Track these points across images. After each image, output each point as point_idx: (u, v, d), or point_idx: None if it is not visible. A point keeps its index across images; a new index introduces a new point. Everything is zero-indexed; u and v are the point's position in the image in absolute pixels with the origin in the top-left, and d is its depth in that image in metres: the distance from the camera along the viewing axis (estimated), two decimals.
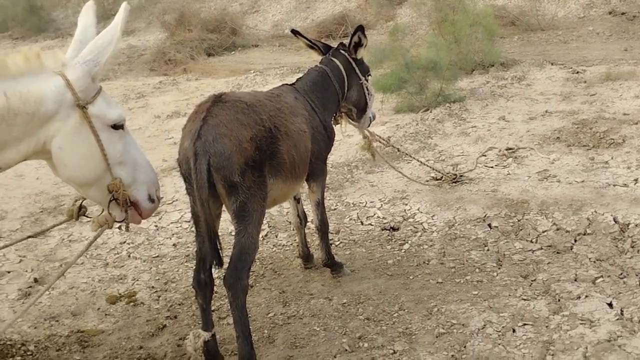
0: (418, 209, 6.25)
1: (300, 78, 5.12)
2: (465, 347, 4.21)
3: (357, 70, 5.24)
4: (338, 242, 5.82)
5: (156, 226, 6.44)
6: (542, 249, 5.38)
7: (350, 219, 6.26)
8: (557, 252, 5.30)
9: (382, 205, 6.43)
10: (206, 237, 3.88)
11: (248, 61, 14.88)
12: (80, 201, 3.76)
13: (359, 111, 5.40)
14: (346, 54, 5.24)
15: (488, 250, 5.45)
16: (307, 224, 5.37)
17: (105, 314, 5.00)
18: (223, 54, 16.04)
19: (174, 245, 6.06)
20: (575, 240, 5.45)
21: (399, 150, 7.08)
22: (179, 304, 5.05)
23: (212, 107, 3.96)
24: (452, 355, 4.14)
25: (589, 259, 5.15)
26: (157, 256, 5.87)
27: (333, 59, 5.20)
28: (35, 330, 4.82)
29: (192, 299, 5.06)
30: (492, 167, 7.15)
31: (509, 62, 11.46)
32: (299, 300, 4.95)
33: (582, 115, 8.47)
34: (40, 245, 6.23)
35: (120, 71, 15.08)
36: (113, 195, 3.44)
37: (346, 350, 4.28)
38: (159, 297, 5.19)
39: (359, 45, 5.22)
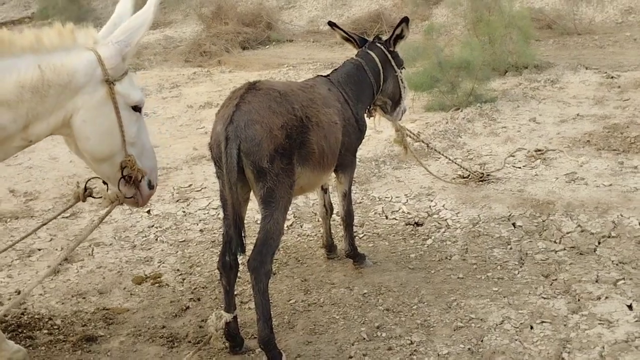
0: (443, 206, 6.28)
1: (335, 70, 5.17)
2: (482, 341, 4.25)
3: (393, 63, 5.28)
4: (362, 235, 5.87)
5: (184, 212, 6.55)
6: (565, 249, 5.38)
7: (375, 213, 6.31)
8: (580, 254, 5.30)
9: (407, 200, 6.47)
10: (231, 221, 3.97)
11: (282, 55, 14.98)
12: (85, 182, 3.88)
13: (393, 104, 5.43)
14: (382, 47, 5.28)
15: (511, 248, 5.46)
16: (333, 215, 5.44)
17: (131, 294, 5.12)
18: (257, 47, 16.16)
19: (200, 231, 6.17)
20: (599, 243, 5.44)
21: (428, 146, 7.11)
22: (203, 287, 5.15)
23: (246, 94, 4.05)
24: (469, 349, 4.18)
25: (612, 261, 5.14)
26: (184, 241, 5.98)
27: (369, 51, 5.24)
28: (62, 305, 4.96)
29: (215, 283, 5.16)
30: (520, 167, 7.14)
31: (543, 65, 11.41)
32: (320, 288, 5.02)
33: (614, 119, 8.42)
34: (71, 225, 6.38)
35: (156, 61, 15.25)
36: (123, 173, 3.57)
37: (364, 338, 4.34)
38: (184, 279, 5.30)
39: (400, 37, 5.27)
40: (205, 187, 7.13)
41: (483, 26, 11.21)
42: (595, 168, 6.90)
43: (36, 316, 4.75)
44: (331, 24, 5.42)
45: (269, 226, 4.01)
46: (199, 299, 4.99)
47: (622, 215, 5.73)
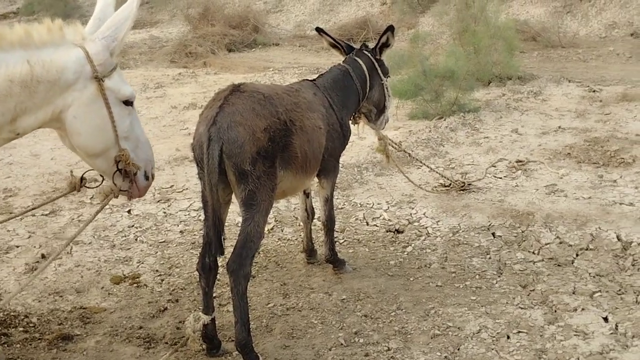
0: (424, 214, 6.30)
1: (321, 75, 5.19)
2: (459, 349, 4.27)
3: (379, 71, 5.31)
4: (343, 241, 5.88)
5: (165, 212, 6.53)
6: (543, 260, 5.43)
7: (356, 219, 6.32)
8: (558, 265, 5.34)
9: (388, 207, 6.49)
10: (211, 223, 3.97)
11: (268, 59, 15.00)
12: (82, 173, 3.88)
13: (378, 112, 5.45)
14: (369, 55, 5.30)
15: (490, 258, 5.50)
16: (314, 220, 5.44)
17: (109, 293, 5.09)
18: (243, 50, 16.18)
19: (180, 232, 6.15)
20: (577, 255, 5.48)
21: (409, 155, 7.13)
22: (182, 289, 5.14)
23: (230, 95, 4.06)
24: (446, 357, 4.19)
25: (589, 273, 5.19)
26: (164, 241, 5.96)
27: (356, 58, 5.26)
28: (39, 303, 4.92)
29: (194, 285, 5.15)
30: (500, 177, 7.19)
31: (526, 77, 11.51)
32: (299, 293, 5.03)
33: (595, 133, 8.50)
34: (50, 223, 6.34)
35: (141, 61, 15.23)
36: (118, 166, 3.59)
37: (342, 344, 4.35)
38: (162, 280, 5.28)
39: (386, 45, 5.31)
40: (187, 189, 7.11)
41: (468, 36, 11.31)
42: (575, 180, 6.96)
43: (12, 313, 4.71)
44: (318, 30, 5.45)
45: (250, 229, 4.01)
46: (177, 300, 4.97)
47: (600, 228, 5.78)
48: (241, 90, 4.13)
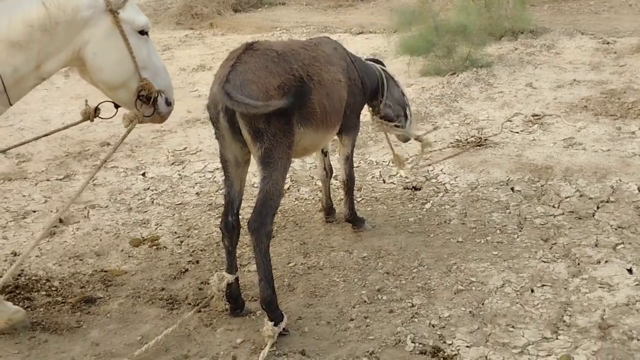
0: (441, 170, 6.25)
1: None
2: (483, 304, 4.25)
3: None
4: (360, 199, 5.84)
5: (179, 175, 6.50)
6: (564, 214, 5.37)
7: (373, 177, 6.27)
8: (579, 218, 5.29)
9: (405, 164, 6.42)
10: (232, 182, 4.07)
11: (275, 19, 14.80)
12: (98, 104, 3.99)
13: (404, 114, 5.42)
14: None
15: (510, 213, 5.45)
16: (332, 179, 5.40)
17: (129, 256, 5.08)
18: (250, 10, 15.95)
19: (197, 194, 6.11)
20: (598, 207, 5.43)
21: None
22: (201, 250, 5.12)
23: (243, 54, 4.01)
24: (470, 312, 4.17)
25: (611, 226, 5.14)
26: (180, 203, 5.93)
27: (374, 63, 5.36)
28: (59, 267, 4.91)
29: (213, 246, 5.13)
30: (517, 132, 7.11)
31: (538, 30, 11.32)
32: (319, 252, 5.00)
33: (611, 85, 8.38)
34: (65, 187, 6.32)
35: None
36: (139, 95, 3.71)
37: (365, 301, 4.33)
38: (182, 242, 5.26)
39: None
40: (201, 150, 7.07)
41: None
42: (593, 133, 6.88)
43: (33, 278, 4.71)
44: None
45: (268, 187, 3.96)
46: (197, 262, 4.96)
47: (620, 180, 5.73)
48: (254, 48, 4.07)
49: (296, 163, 6.41)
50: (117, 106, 4.00)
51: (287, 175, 6.11)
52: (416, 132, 5.67)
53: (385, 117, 5.32)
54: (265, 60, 3.98)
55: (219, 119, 3.90)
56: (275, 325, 3.89)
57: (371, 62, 5.31)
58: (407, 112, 5.43)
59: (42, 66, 3.45)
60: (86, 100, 4.09)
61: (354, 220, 5.26)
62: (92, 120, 4.03)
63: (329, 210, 5.44)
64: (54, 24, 3.34)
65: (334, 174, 5.39)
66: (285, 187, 6.06)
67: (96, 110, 3.98)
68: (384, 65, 5.41)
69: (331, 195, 5.46)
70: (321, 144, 4.71)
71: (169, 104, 3.96)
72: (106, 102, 3.98)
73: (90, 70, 3.57)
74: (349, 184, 5.13)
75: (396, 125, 5.39)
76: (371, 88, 5.12)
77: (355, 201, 5.41)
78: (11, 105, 3.52)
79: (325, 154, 5.28)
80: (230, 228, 4.12)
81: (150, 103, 3.82)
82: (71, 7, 3.39)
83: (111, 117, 4.06)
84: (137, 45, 3.65)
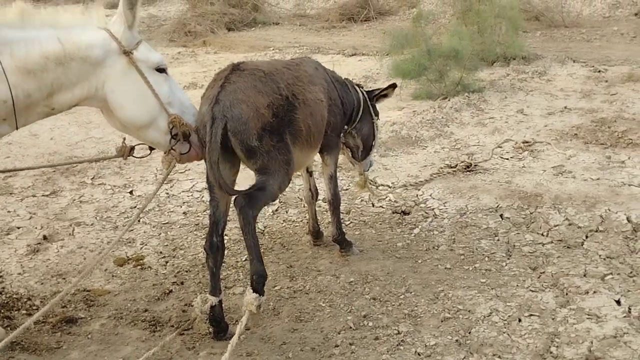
0: (430, 195, 6.22)
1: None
2: (470, 332, 4.20)
3: (371, 110, 5.31)
4: (349, 222, 5.80)
5: (167, 193, 6.44)
6: (552, 242, 5.34)
7: (362, 200, 6.23)
8: (568, 247, 5.27)
9: (394, 188, 6.40)
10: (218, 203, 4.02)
11: (268, 38, 14.84)
12: (134, 144, 4.10)
13: (365, 150, 5.37)
14: (365, 93, 5.31)
15: (498, 240, 5.42)
16: (319, 200, 5.36)
17: (112, 275, 5.01)
18: (243, 29, 16.00)
19: (184, 213, 6.06)
20: (587, 237, 5.40)
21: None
22: (186, 271, 5.06)
23: (231, 74, 4.05)
24: (457, 340, 4.12)
25: (600, 255, 5.11)
26: (167, 223, 5.88)
27: (355, 86, 5.27)
28: (41, 286, 4.85)
29: (199, 267, 5.07)
30: (507, 158, 7.10)
31: (530, 57, 11.37)
32: (306, 275, 4.95)
33: (602, 113, 8.40)
34: (51, 203, 6.25)
35: None
36: (172, 132, 3.81)
37: (350, 327, 4.28)
38: (167, 262, 5.20)
39: (384, 96, 5.39)
40: (189, 169, 7.00)
41: (472, 15, 11.16)
42: (582, 161, 6.87)
43: (14, 296, 4.63)
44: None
45: (264, 180, 3.98)
46: (182, 283, 4.89)
47: (609, 210, 5.70)
48: (241, 68, 4.11)
49: None
50: (152, 148, 4.11)
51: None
52: (362, 169, 5.53)
53: (345, 144, 5.28)
54: (253, 80, 4.02)
55: (210, 139, 3.86)
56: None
57: (356, 86, 5.29)
58: (369, 151, 5.42)
59: (53, 96, 3.62)
60: (124, 139, 4.14)
61: (342, 242, 5.20)
62: (125, 158, 4.14)
63: (316, 233, 5.40)
64: (69, 59, 3.56)
65: (319, 196, 5.35)
66: (274, 208, 6.04)
67: (132, 148, 4.08)
68: (367, 93, 5.37)
69: (318, 218, 5.41)
70: (305, 163, 4.73)
71: None
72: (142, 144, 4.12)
73: (112, 108, 3.74)
74: (334, 203, 5.08)
75: (352, 156, 5.37)
76: (350, 109, 5.11)
77: (343, 224, 5.37)
78: (17, 129, 3.67)
79: (310, 174, 5.25)
80: (214, 249, 4.06)
81: (183, 140, 3.90)
82: (85, 46, 3.61)
83: (144, 157, 4.21)
84: (156, 81, 3.79)
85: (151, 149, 4.13)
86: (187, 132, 3.89)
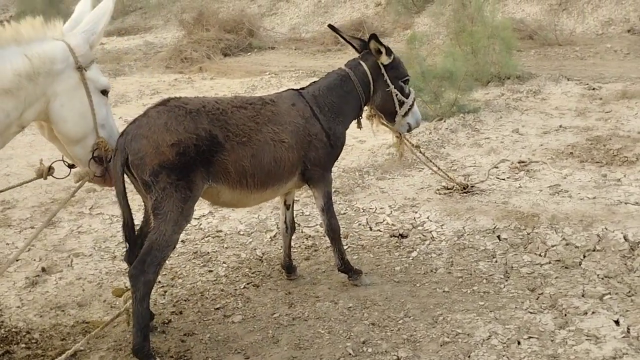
0: (428, 217, 6.24)
1: (315, 82, 5.07)
2: (469, 356, 4.19)
3: (387, 76, 5.03)
4: (346, 247, 5.79)
5: None
6: (550, 263, 5.36)
7: (360, 224, 6.25)
8: (566, 267, 5.28)
9: (391, 211, 6.42)
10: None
11: (264, 63, 14.92)
12: (51, 163, 4.19)
13: (387, 115, 5.19)
14: (375, 58, 5.03)
15: (496, 261, 5.43)
16: (295, 232, 5.38)
17: (111, 306, 5.00)
18: (239, 54, 16.11)
19: (182, 241, 6.06)
20: (584, 256, 5.41)
21: (427, 159, 6.82)
22: (185, 300, 5.05)
23: (151, 109, 4.18)
24: None
25: (597, 275, 5.12)
26: None
27: (361, 62, 5.04)
28: (40, 319, 4.84)
29: (197, 296, 5.07)
30: (503, 179, 7.13)
31: (525, 76, 11.45)
32: (304, 302, 4.95)
33: (597, 131, 8.45)
34: (50, 235, 6.26)
35: (137, 67, 15.15)
36: (93, 153, 3.91)
37: (350, 354, 4.27)
38: (165, 292, 5.20)
39: (378, 52, 5.00)
40: None
41: (466, 36, 11.24)
42: (579, 180, 6.90)
43: (13, 329, 4.63)
44: (331, 27, 5.21)
45: (154, 237, 4.04)
46: (180, 312, 4.88)
47: (606, 229, 5.72)
48: (164, 103, 4.19)
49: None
50: (70, 167, 4.20)
51: (273, 223, 6.15)
52: (397, 131, 5.40)
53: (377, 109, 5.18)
54: (167, 117, 4.07)
55: (114, 169, 4.04)
56: None
57: (363, 65, 5.00)
58: (393, 116, 5.16)
59: (24, 113, 3.65)
60: (41, 160, 4.25)
61: (348, 271, 5.10)
62: (45, 178, 4.18)
63: (287, 267, 5.31)
64: (36, 74, 3.60)
65: (296, 229, 5.35)
66: (272, 234, 6.05)
67: (49, 169, 4.15)
68: (372, 50, 5.00)
69: (290, 253, 5.32)
70: (247, 202, 4.70)
71: None
72: (60, 163, 4.21)
73: (55, 121, 3.78)
74: (331, 235, 4.97)
75: (381, 119, 5.25)
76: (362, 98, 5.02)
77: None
78: None
79: (287, 207, 5.19)
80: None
81: (102, 163, 4.00)
82: (49, 59, 3.65)
83: (64, 178, 4.21)
84: (98, 103, 3.89)
85: (70, 167, 4.19)
86: (108, 156, 3.99)
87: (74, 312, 4.93)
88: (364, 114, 5.26)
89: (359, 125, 5.24)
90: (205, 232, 6.13)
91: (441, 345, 4.33)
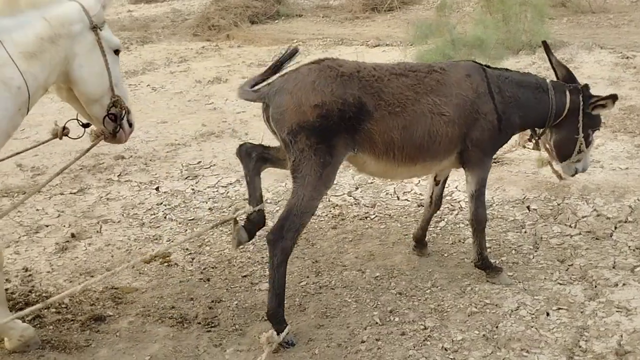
0: (456, 187, 6.18)
1: (507, 69, 4.71)
2: (497, 327, 4.17)
3: (581, 123, 4.57)
4: (374, 216, 5.78)
5: (193, 190, 6.47)
6: (580, 234, 5.29)
7: (387, 194, 6.21)
8: (596, 239, 5.21)
9: (419, 181, 6.36)
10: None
11: (291, 31, 14.79)
12: (65, 122, 4.24)
13: (559, 155, 4.75)
14: (581, 100, 4.54)
15: (525, 232, 5.37)
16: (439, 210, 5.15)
17: (140, 273, 5.04)
18: (266, 22, 15.96)
19: (209, 209, 6.08)
20: (616, 228, 5.34)
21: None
22: (212, 267, 5.08)
23: (304, 66, 4.05)
24: (484, 335, 4.10)
25: (629, 247, 5.05)
26: (193, 219, 5.90)
27: (567, 92, 4.53)
28: (70, 284, 4.89)
29: (225, 263, 5.10)
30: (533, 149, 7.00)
31: (557, 44, 11.19)
32: (331, 270, 4.95)
33: (630, 101, 8.27)
34: (79, 201, 6.31)
35: (164, 35, 15.09)
36: (109, 111, 3.96)
37: (377, 323, 4.27)
38: (193, 259, 5.22)
39: (602, 106, 4.58)
40: (215, 165, 7.03)
41: (497, 3, 11.04)
42: (611, 151, 6.78)
43: (44, 294, 4.69)
44: (544, 44, 4.74)
45: (293, 201, 3.96)
46: (208, 280, 4.91)
47: (638, 200, 5.63)
48: (319, 62, 4.07)
49: None
50: (84, 126, 4.25)
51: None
52: (559, 172, 4.93)
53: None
54: (317, 76, 3.93)
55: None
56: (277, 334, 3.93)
57: (567, 96, 4.53)
58: (565, 159, 4.76)
59: (49, 76, 3.71)
60: (55, 122, 4.30)
61: (484, 267, 4.70)
62: (60, 139, 4.28)
63: (418, 240, 5.10)
64: (57, 36, 3.65)
65: (441, 208, 5.13)
66: None
67: (64, 128, 4.23)
68: (584, 99, 4.54)
69: (427, 227, 5.10)
70: (396, 175, 4.53)
71: (130, 125, 4.21)
72: (74, 123, 4.23)
73: (75, 82, 3.83)
74: (474, 224, 4.61)
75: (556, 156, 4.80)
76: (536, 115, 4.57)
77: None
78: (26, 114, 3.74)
79: (437, 182, 4.89)
80: (243, 154, 4.22)
81: (117, 121, 4.06)
82: (67, 21, 3.70)
83: (79, 137, 4.25)
84: (112, 62, 3.95)
85: (84, 126, 4.24)
86: (122, 113, 4.05)
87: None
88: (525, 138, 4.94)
89: (536, 146, 4.88)
90: (233, 200, 6.13)
91: (469, 316, 4.31)
